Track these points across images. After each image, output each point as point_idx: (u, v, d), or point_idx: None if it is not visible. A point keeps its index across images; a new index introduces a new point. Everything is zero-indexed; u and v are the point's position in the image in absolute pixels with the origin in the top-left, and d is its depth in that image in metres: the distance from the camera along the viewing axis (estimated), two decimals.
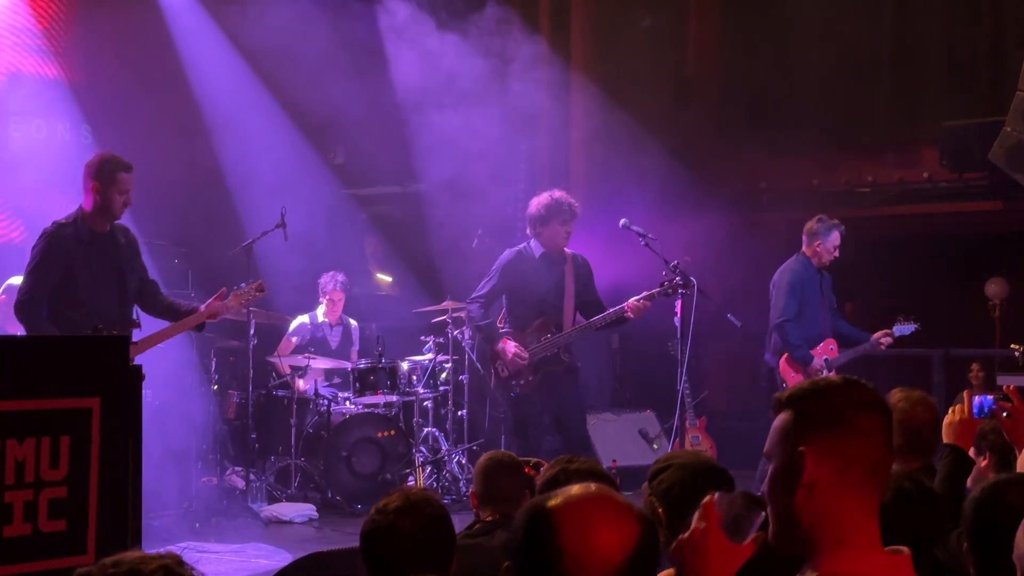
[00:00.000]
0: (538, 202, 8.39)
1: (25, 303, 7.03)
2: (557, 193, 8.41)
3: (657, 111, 11.79)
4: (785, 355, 9.12)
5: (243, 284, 8.13)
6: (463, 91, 11.40)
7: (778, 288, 9.11)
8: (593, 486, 2.28)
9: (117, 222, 7.38)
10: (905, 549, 2.38)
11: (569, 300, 8.36)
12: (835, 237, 9.25)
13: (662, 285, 8.17)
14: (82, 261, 7.17)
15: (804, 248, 9.34)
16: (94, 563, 3.44)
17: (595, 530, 2.15)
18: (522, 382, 8.28)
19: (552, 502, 2.21)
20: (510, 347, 8.24)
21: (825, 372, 8.99)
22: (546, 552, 2.14)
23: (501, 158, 12.26)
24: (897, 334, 9.32)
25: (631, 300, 8.11)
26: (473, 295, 8.53)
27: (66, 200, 10.08)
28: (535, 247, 8.40)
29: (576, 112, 12.54)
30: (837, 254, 9.31)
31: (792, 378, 9.10)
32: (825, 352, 9.16)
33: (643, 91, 11.68)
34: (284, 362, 10.24)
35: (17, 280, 8.73)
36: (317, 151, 12.32)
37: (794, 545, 2.40)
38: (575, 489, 2.25)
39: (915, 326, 9.34)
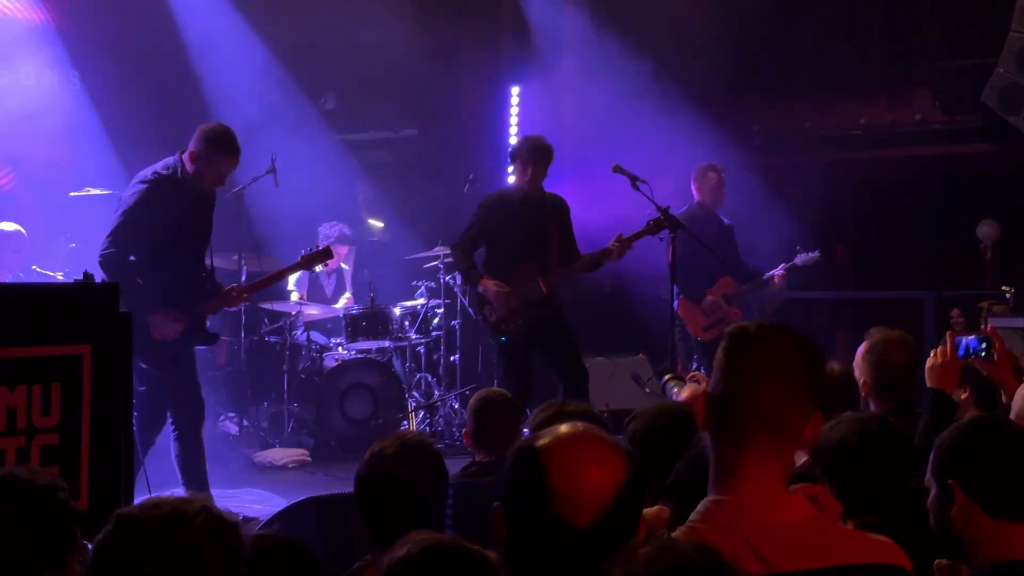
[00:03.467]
0: (518, 143, 8.48)
1: (111, 255, 6.83)
2: (532, 136, 8.46)
3: (649, 53, 11.70)
4: (681, 296, 9.33)
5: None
6: (454, 34, 11.35)
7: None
8: (580, 425, 2.30)
9: None
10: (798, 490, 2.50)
11: (553, 242, 8.32)
12: (712, 177, 9.69)
13: (648, 224, 8.24)
14: (174, 213, 7.01)
15: (696, 197, 9.74)
16: (88, 508, 3.48)
17: (583, 468, 2.19)
18: (511, 326, 8.21)
19: (540, 442, 2.24)
20: (490, 285, 8.19)
21: (724, 306, 9.49)
22: (536, 492, 2.17)
23: (494, 102, 12.22)
24: (800, 262, 9.66)
25: (612, 242, 8.13)
26: (458, 237, 8.49)
27: (55, 148, 10.09)
28: (516, 189, 8.40)
29: (569, 53, 12.44)
30: (723, 190, 9.73)
31: (689, 315, 9.49)
32: (723, 289, 9.57)
33: (636, 32, 11.58)
34: (276, 308, 10.22)
35: (7, 226, 8.71)
36: (308, 97, 12.24)
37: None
38: (562, 428, 2.28)
39: (816, 253, 9.70)
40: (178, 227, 7.04)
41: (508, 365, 8.37)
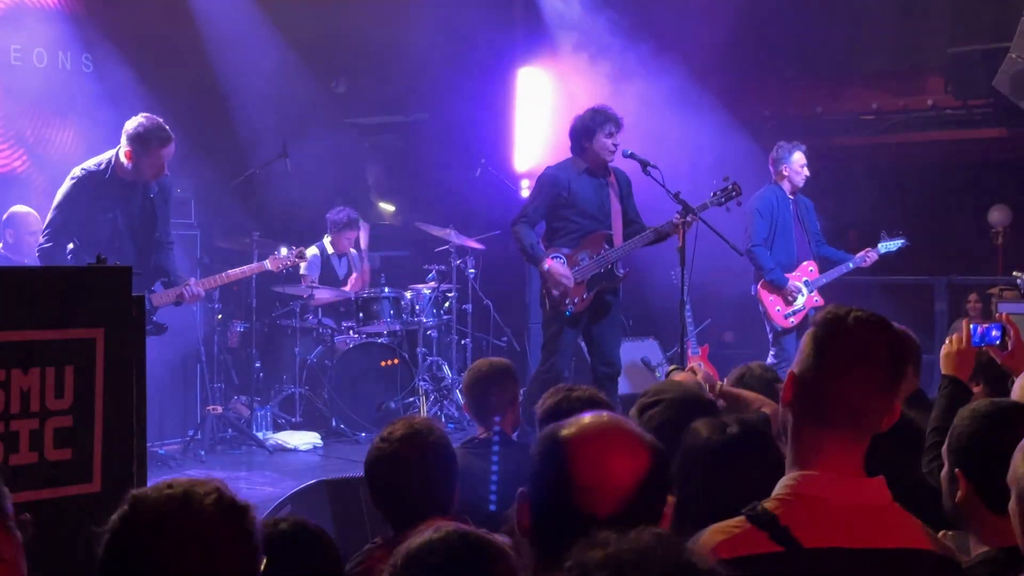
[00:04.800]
0: (579, 117, 8.10)
1: (48, 250, 7.12)
2: (597, 105, 8.15)
3: (661, 38, 11.67)
4: (761, 280, 9.26)
5: (281, 250, 8.27)
6: (464, 16, 11.32)
7: (747, 215, 9.13)
8: (605, 415, 2.31)
9: None
10: (880, 477, 2.51)
11: (617, 216, 8.09)
12: (798, 157, 9.40)
13: (714, 194, 7.96)
14: (106, 208, 7.22)
15: (774, 178, 9.47)
16: (101, 490, 3.51)
17: (605, 458, 2.20)
18: (576, 300, 7.91)
19: (564, 432, 2.25)
20: (554, 267, 7.87)
21: (805, 292, 9.22)
22: (559, 481, 2.19)
23: (504, 85, 12.20)
24: (883, 251, 9.45)
25: (676, 215, 7.76)
26: (517, 216, 8.14)
27: (68, 130, 10.11)
28: (579, 164, 8.06)
29: (579, 35, 12.41)
30: (807, 172, 9.43)
31: (770, 302, 9.27)
32: (804, 274, 9.34)
33: (641, 14, 11.56)
34: (287, 291, 10.24)
35: (20, 208, 8.76)
36: (319, 81, 12.25)
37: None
38: (587, 418, 2.28)
39: (903, 241, 9.50)
40: (111, 221, 7.25)
41: (553, 333, 8.07)
